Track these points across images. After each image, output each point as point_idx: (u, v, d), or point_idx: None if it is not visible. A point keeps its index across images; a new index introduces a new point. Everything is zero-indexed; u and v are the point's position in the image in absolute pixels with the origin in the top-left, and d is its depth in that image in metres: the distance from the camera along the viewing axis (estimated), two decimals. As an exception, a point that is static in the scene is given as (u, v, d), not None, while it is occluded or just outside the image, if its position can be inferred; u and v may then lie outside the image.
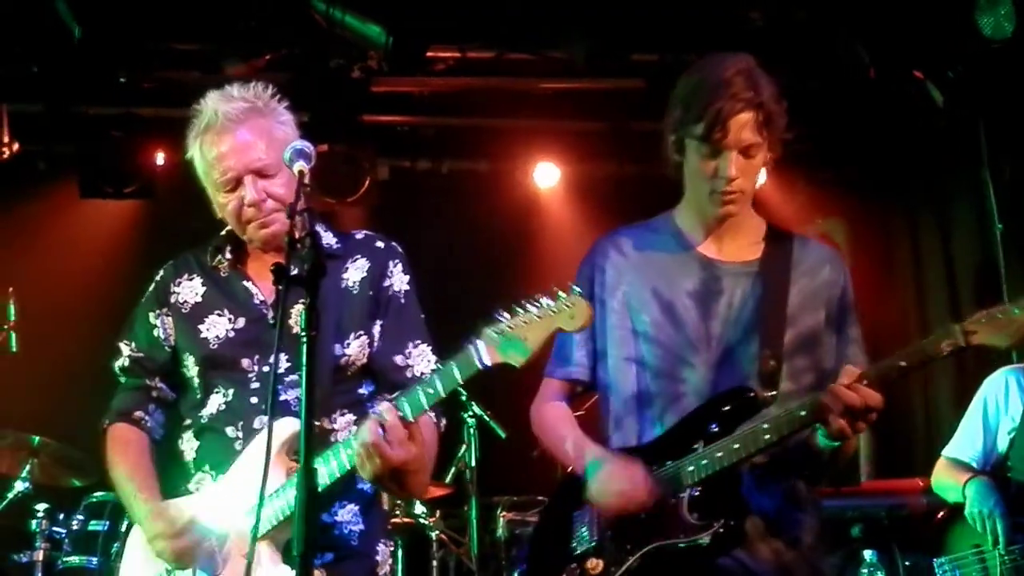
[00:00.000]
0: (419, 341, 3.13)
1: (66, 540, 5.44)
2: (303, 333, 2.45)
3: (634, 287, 3.21)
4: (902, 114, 6.58)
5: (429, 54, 6.34)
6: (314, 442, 2.75)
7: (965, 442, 4.66)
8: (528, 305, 2.58)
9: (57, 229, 7.31)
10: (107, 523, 5.37)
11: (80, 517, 5.47)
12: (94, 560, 5.34)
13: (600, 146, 7.29)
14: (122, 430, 3.23)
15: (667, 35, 6.14)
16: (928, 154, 7.01)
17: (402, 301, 3.16)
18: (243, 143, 3.02)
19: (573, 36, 6.24)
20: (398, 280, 3.16)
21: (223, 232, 3.23)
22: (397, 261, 3.19)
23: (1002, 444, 4.58)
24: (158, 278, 3.28)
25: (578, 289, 2.57)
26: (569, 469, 3.26)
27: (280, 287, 2.50)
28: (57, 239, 7.33)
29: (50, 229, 7.32)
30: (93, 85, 6.57)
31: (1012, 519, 4.29)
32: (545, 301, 2.58)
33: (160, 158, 7.06)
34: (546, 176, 7.56)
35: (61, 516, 5.52)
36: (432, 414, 3.00)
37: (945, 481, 4.61)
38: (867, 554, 5.43)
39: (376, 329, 3.11)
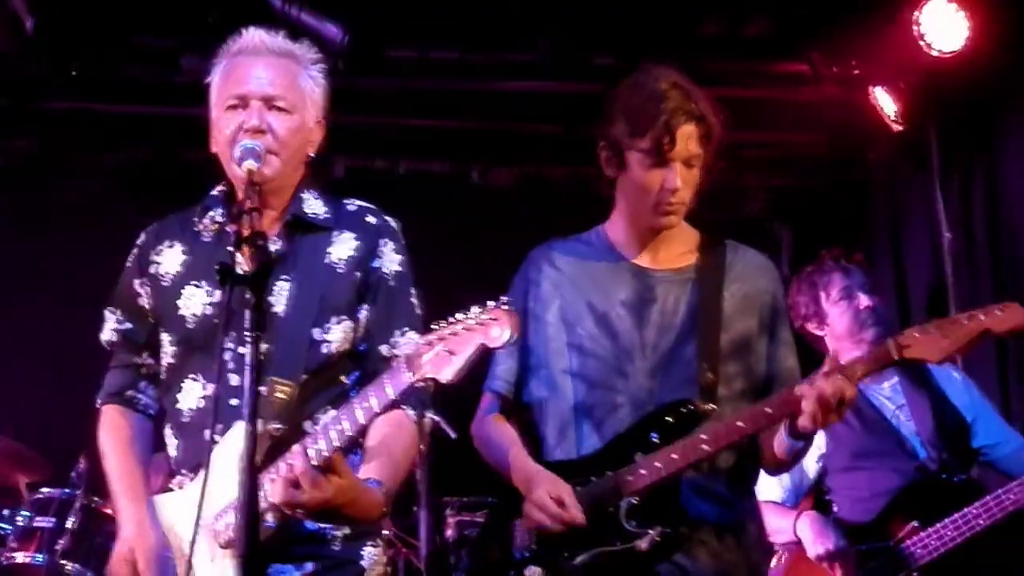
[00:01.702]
0: (407, 328, 2.96)
1: (11, 536, 5.39)
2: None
3: (569, 300, 3.24)
4: (856, 120, 6.65)
5: (387, 53, 6.34)
6: (283, 447, 2.71)
7: (773, 482, 4.53)
8: (459, 316, 2.48)
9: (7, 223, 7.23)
10: (53, 520, 5.33)
11: (26, 513, 5.42)
12: (39, 557, 5.29)
13: (557, 149, 7.30)
14: (113, 413, 3.12)
15: (625, 40, 6.16)
16: (882, 160, 7.08)
17: (391, 284, 2.99)
18: (266, 71, 2.94)
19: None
20: (388, 261, 3.00)
21: (214, 191, 3.10)
22: (387, 240, 3.03)
23: (811, 473, 4.54)
24: (139, 242, 3.15)
25: (506, 300, 2.49)
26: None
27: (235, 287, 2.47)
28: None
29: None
30: (46, 79, 6.51)
31: (855, 547, 4.22)
32: (475, 313, 2.47)
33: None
34: (504, 178, 7.58)
35: (6, 512, 5.47)
36: (411, 411, 2.90)
37: (770, 523, 4.33)
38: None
39: (363, 314, 2.96)
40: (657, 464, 2.99)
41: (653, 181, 3.12)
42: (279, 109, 2.94)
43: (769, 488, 4.56)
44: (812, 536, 4.30)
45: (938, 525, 4.17)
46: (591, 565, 3.01)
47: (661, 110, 3.07)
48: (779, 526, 4.45)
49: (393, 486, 2.85)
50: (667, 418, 3.05)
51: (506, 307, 2.47)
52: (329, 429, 2.63)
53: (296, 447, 2.64)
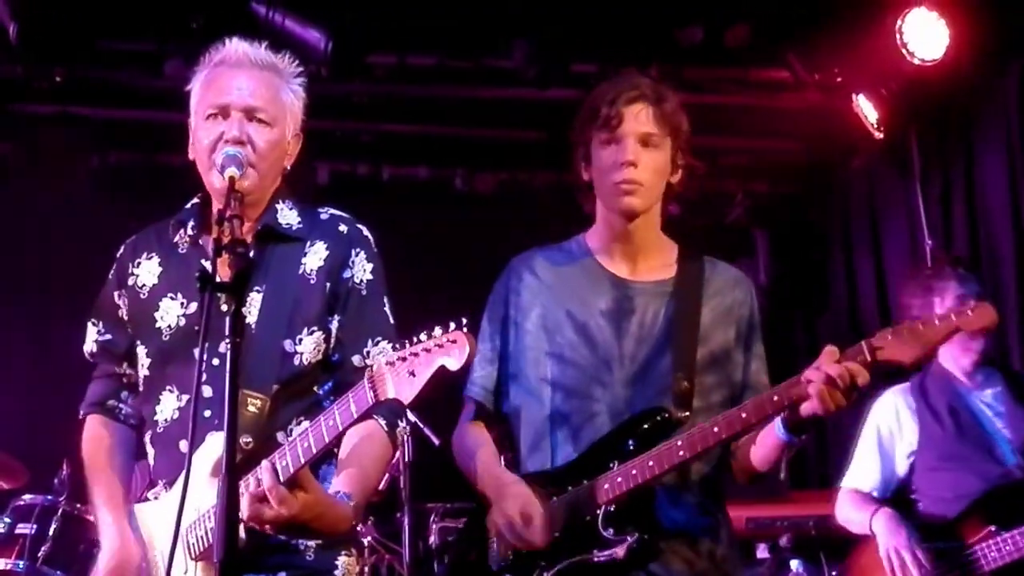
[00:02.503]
0: (379, 338, 2.94)
1: (-8, 543, 5.37)
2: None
3: (548, 309, 3.25)
4: (837, 127, 6.69)
5: (369, 59, 6.35)
6: (253, 461, 2.68)
7: (864, 472, 4.67)
8: (421, 337, 2.48)
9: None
10: (35, 526, 5.31)
11: (7, 520, 5.39)
12: (20, 564, 5.27)
13: (540, 155, 7.32)
14: (94, 423, 3.13)
15: (606, 47, 6.18)
16: (863, 167, 7.11)
17: (363, 293, 2.96)
18: (248, 83, 2.92)
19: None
20: (360, 270, 2.97)
21: (189, 204, 3.09)
22: (360, 249, 2.99)
23: (901, 469, 4.62)
24: (118, 255, 3.14)
25: (465, 322, 2.49)
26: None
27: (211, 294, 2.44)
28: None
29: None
30: (28, 83, 6.50)
31: (928, 545, 4.28)
32: (436, 334, 2.47)
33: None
34: (487, 184, 7.60)
35: (-13, 519, 5.45)
36: (383, 423, 2.88)
37: (850, 514, 4.62)
38: (795, 563, 5.51)
39: (334, 325, 2.95)
40: (633, 471, 2.99)
41: (609, 159, 3.15)
42: (260, 121, 2.92)
43: (861, 477, 4.66)
44: (886, 532, 4.37)
45: (1015, 531, 4.21)
46: (567, 574, 3.01)
47: (611, 90, 3.16)
48: (857, 518, 4.55)
49: (363, 499, 2.85)
50: (642, 426, 3.06)
51: (465, 329, 2.48)
52: (296, 446, 2.63)
53: (264, 463, 2.64)
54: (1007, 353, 5.65)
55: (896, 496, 4.62)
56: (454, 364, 2.45)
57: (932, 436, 4.54)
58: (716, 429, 2.95)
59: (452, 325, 2.48)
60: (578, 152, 3.26)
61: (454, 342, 2.45)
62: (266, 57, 3.01)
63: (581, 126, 3.23)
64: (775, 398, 2.91)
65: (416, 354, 2.47)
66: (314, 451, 2.62)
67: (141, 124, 6.87)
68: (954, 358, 4.60)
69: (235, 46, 3.00)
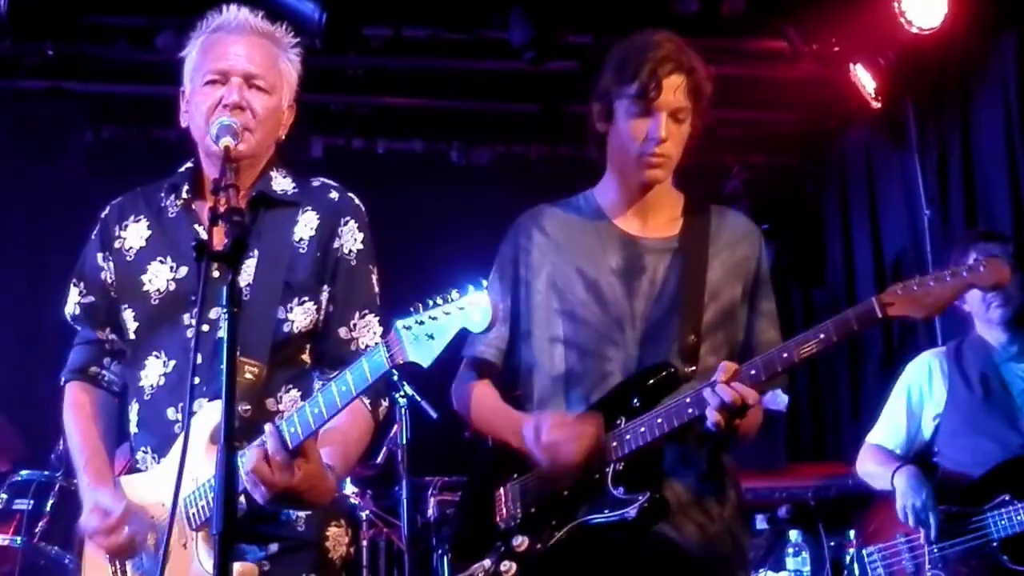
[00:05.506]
0: (366, 311, 2.94)
1: (-11, 519, 5.37)
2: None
3: (558, 267, 3.22)
4: (834, 97, 6.67)
5: (364, 32, 6.31)
6: (251, 428, 2.67)
7: (890, 429, 4.70)
8: (438, 300, 2.44)
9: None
10: (31, 502, 5.31)
11: (3, 495, 5.39)
12: (18, 540, 5.27)
13: (535, 128, 7.29)
14: (77, 390, 3.09)
15: (601, 18, 6.15)
16: (860, 137, 7.10)
17: (352, 264, 2.95)
18: (247, 50, 2.91)
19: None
20: (349, 240, 2.96)
21: (182, 168, 3.07)
22: (349, 218, 2.98)
23: (927, 431, 4.65)
24: (102, 217, 3.10)
25: (484, 283, 2.45)
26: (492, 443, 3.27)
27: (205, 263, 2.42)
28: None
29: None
30: (19, 58, 6.46)
31: (943, 507, 4.31)
32: (454, 297, 2.43)
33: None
34: (483, 156, 7.57)
35: (-17, 494, 5.44)
36: (367, 401, 2.85)
37: (872, 468, 4.65)
38: (793, 534, 5.53)
39: (324, 296, 2.93)
40: (642, 429, 2.98)
41: (638, 130, 3.09)
42: (259, 88, 2.92)
43: (888, 435, 4.69)
44: (905, 489, 4.41)
45: None
46: (578, 533, 3.01)
47: (649, 58, 3.06)
48: (878, 472, 4.59)
49: (344, 474, 2.86)
50: (648, 381, 3.04)
51: (485, 290, 2.44)
52: (305, 411, 2.61)
53: (268, 426, 2.62)
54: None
55: (918, 457, 4.64)
56: (477, 327, 2.42)
57: (959, 401, 4.56)
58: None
59: (471, 288, 2.44)
60: (597, 103, 3.19)
61: (476, 303, 2.41)
62: (265, 26, 3.00)
63: (608, 81, 3.14)
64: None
65: (435, 317, 2.43)
66: (325, 417, 2.59)
67: (134, 98, 6.84)
68: (987, 330, 4.60)
69: (233, 12, 2.99)
